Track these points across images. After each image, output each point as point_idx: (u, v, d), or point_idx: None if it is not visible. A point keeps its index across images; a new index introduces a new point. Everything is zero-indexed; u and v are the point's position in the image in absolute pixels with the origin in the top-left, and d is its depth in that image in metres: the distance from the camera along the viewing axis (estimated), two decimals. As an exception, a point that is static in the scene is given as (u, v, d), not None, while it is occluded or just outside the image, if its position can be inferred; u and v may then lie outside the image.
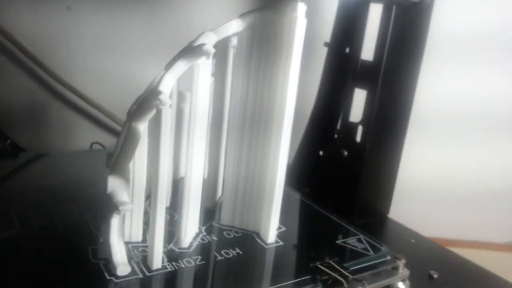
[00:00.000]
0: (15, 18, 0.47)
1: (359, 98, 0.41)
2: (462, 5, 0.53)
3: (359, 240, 0.33)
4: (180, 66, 0.23)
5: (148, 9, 0.51)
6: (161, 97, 0.21)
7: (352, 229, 0.35)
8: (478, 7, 0.54)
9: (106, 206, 0.25)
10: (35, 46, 0.48)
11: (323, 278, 0.27)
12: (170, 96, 0.23)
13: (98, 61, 0.51)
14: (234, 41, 0.30)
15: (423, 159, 0.56)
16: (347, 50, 0.43)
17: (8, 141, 0.44)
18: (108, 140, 0.52)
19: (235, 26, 0.26)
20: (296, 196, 0.40)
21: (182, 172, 0.38)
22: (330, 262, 0.28)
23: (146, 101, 0.22)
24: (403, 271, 0.30)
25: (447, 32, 0.51)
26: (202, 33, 0.24)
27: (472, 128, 0.58)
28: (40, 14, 0.48)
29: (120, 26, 0.51)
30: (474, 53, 0.55)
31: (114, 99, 0.52)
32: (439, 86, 0.54)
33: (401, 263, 0.30)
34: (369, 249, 0.32)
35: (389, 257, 0.31)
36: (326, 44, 0.45)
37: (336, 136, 0.44)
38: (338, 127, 0.44)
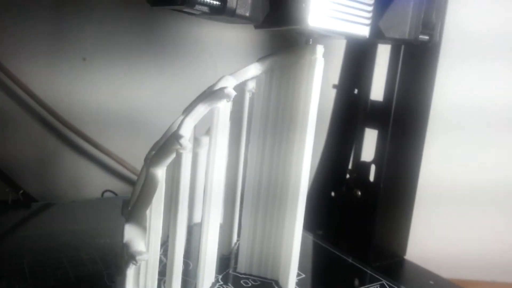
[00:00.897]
0: (31, 69, 0.48)
1: (370, 136, 0.41)
2: (479, 9, 0.52)
3: (382, 286, 0.32)
4: (201, 110, 0.23)
5: (162, 62, 0.53)
6: (182, 141, 0.21)
7: (373, 274, 0.34)
8: (498, 10, 0.52)
9: (122, 257, 0.24)
10: (48, 96, 0.49)
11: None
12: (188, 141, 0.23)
13: (111, 109, 0.51)
14: (250, 85, 0.30)
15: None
16: (356, 91, 0.43)
17: (21, 191, 0.44)
18: (119, 187, 0.51)
19: (253, 70, 0.27)
20: (312, 239, 0.39)
21: (196, 218, 0.38)
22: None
23: (165, 146, 0.22)
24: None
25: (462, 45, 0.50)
26: (221, 77, 0.24)
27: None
28: (55, 65, 0.49)
29: (132, 76, 0.52)
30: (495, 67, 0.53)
31: (125, 145, 0.52)
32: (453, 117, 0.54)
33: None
34: (392, 294, 0.31)
35: (412, 302, 0.30)
36: (334, 86, 0.45)
37: (348, 176, 0.44)
38: (350, 167, 0.44)
